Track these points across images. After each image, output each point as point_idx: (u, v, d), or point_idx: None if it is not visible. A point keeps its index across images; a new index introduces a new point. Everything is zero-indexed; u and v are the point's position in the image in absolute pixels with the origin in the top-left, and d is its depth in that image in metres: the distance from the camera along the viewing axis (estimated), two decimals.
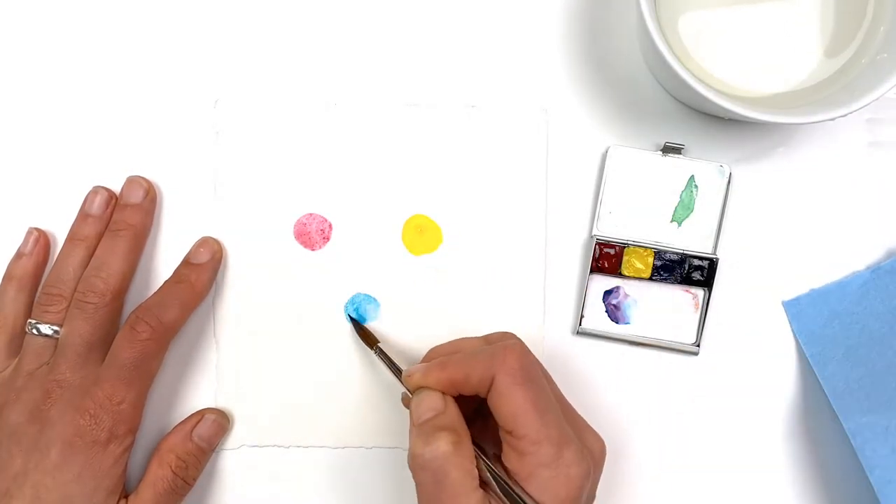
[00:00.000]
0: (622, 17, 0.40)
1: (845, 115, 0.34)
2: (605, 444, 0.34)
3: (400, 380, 0.35)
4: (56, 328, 0.37)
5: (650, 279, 0.40)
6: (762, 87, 0.38)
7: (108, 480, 0.35)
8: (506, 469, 0.32)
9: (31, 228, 0.39)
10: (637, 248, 0.39)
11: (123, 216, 0.38)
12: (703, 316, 0.40)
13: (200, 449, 0.38)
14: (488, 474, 0.31)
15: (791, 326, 0.40)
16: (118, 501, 0.36)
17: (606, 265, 0.39)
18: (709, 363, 0.40)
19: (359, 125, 0.40)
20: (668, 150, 0.39)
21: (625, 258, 0.39)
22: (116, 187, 0.40)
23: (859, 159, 0.40)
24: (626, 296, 0.40)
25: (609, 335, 0.40)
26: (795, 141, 0.40)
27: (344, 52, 0.40)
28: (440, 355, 0.35)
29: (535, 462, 0.31)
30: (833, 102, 0.35)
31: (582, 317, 0.40)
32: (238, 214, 0.40)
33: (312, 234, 0.40)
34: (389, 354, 0.37)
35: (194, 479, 0.38)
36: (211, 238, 0.39)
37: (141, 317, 0.36)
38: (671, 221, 0.40)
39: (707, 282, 0.39)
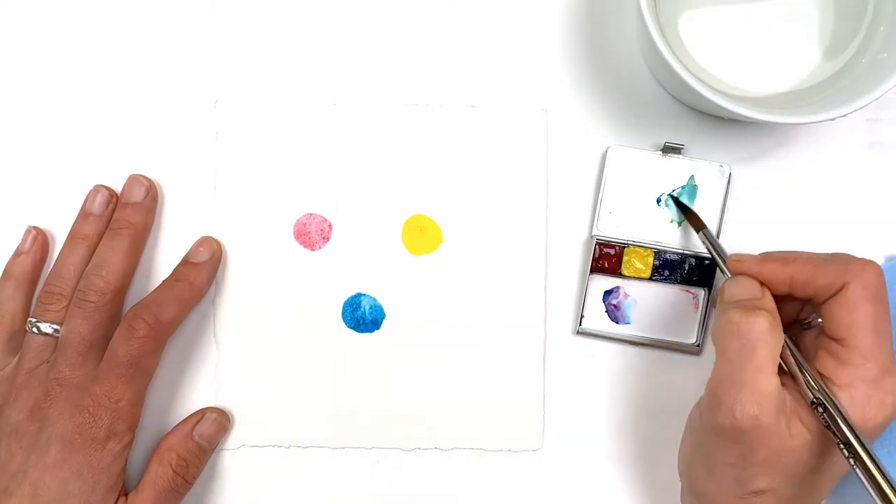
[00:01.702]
0: (622, 17, 0.40)
1: (845, 115, 0.34)
2: None
3: (722, 267, 0.35)
4: (56, 327, 0.37)
5: (650, 279, 0.40)
6: (762, 87, 0.38)
7: (107, 478, 0.35)
8: (819, 373, 0.31)
9: (29, 227, 0.39)
10: (637, 248, 0.39)
11: (124, 215, 0.38)
12: (703, 316, 0.40)
13: (201, 448, 0.38)
14: (798, 368, 0.31)
15: None
16: (118, 499, 0.36)
17: (606, 265, 0.39)
18: (709, 363, 0.40)
19: (359, 125, 0.40)
20: (668, 150, 0.39)
21: (625, 258, 0.39)
22: (116, 187, 0.40)
23: (859, 159, 0.40)
24: (626, 296, 0.40)
25: (609, 335, 0.40)
26: (795, 141, 0.40)
27: (344, 53, 0.40)
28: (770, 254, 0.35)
29: (856, 375, 0.30)
30: (833, 102, 0.35)
31: (582, 317, 0.40)
32: (238, 214, 0.40)
33: (312, 234, 0.40)
34: (712, 240, 0.37)
35: (194, 478, 0.38)
36: (210, 237, 0.40)
37: (138, 314, 0.36)
38: (671, 221, 0.40)
39: (707, 282, 0.39)
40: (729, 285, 0.33)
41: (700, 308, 0.40)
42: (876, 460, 0.29)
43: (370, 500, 0.40)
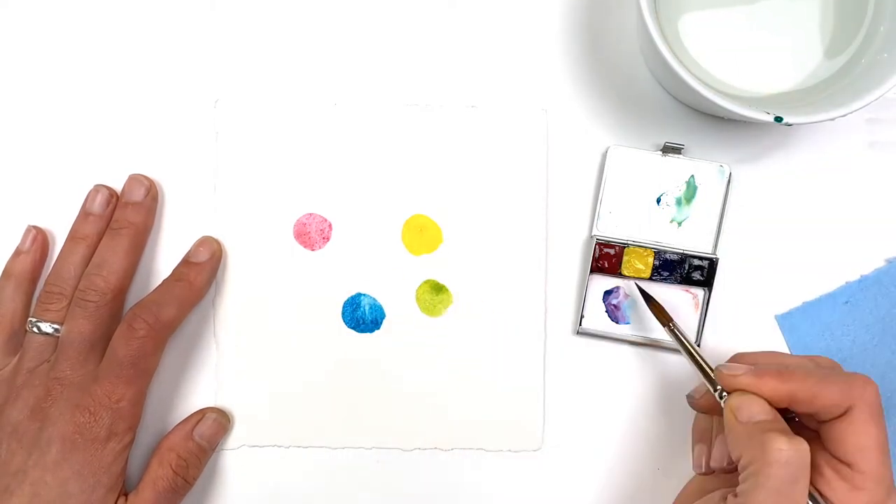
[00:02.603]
0: (622, 17, 0.40)
1: (845, 115, 0.34)
2: None
3: (704, 370, 0.34)
4: (57, 326, 0.37)
5: (650, 279, 0.40)
6: (762, 87, 0.38)
7: (108, 477, 0.35)
8: (825, 497, 0.31)
9: (29, 226, 0.39)
10: (637, 248, 0.39)
11: (125, 214, 0.38)
12: (703, 316, 0.40)
13: (201, 448, 0.38)
14: (816, 495, 0.31)
15: (785, 340, 0.40)
16: (118, 499, 0.36)
17: (606, 265, 0.39)
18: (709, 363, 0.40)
19: (359, 125, 0.40)
20: (668, 150, 0.39)
21: (625, 258, 0.39)
22: (116, 187, 0.40)
23: (859, 159, 0.40)
24: (626, 296, 0.40)
25: (609, 335, 0.40)
26: (795, 141, 0.40)
27: (344, 53, 0.40)
28: (758, 363, 0.34)
29: (868, 499, 0.31)
30: (833, 102, 0.35)
31: (582, 317, 0.40)
32: (238, 214, 0.40)
33: (312, 234, 0.40)
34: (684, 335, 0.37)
35: (195, 479, 0.38)
36: (210, 237, 0.40)
37: (138, 314, 0.36)
38: (671, 221, 0.40)
39: (707, 282, 0.39)
40: (741, 404, 0.32)
41: (700, 308, 0.40)
42: None
43: (370, 500, 0.40)
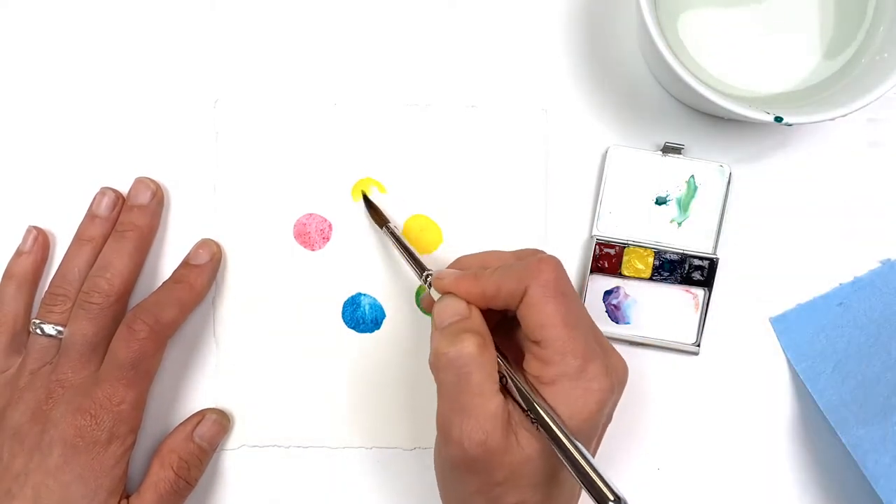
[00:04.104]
0: (622, 16, 0.40)
1: (845, 115, 0.34)
2: (628, 366, 0.33)
3: (413, 265, 0.36)
4: (60, 328, 0.37)
5: (650, 279, 0.40)
6: (762, 87, 0.38)
7: (109, 481, 0.35)
8: (526, 376, 0.31)
9: (30, 227, 0.39)
10: (637, 248, 0.39)
11: (130, 217, 0.38)
12: (703, 316, 0.40)
13: (202, 449, 0.38)
14: (509, 380, 0.31)
15: (779, 343, 0.40)
16: (119, 502, 0.36)
17: (606, 265, 0.39)
18: (709, 363, 0.40)
19: (359, 125, 0.40)
20: (668, 150, 0.39)
21: (625, 258, 0.39)
22: (115, 186, 0.40)
23: (859, 159, 0.40)
24: (626, 296, 0.40)
25: (609, 335, 0.40)
26: (795, 141, 0.40)
27: (344, 53, 0.40)
28: (468, 266, 0.35)
29: (559, 372, 0.31)
30: (833, 102, 0.35)
31: None
32: (238, 214, 0.40)
33: (312, 234, 0.40)
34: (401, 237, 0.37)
35: (196, 480, 0.38)
36: (210, 240, 0.39)
37: (139, 316, 0.36)
38: (671, 221, 0.40)
39: (707, 282, 0.39)
40: (438, 311, 0.33)
41: (700, 308, 0.40)
42: (580, 448, 0.29)
43: (370, 500, 0.40)
